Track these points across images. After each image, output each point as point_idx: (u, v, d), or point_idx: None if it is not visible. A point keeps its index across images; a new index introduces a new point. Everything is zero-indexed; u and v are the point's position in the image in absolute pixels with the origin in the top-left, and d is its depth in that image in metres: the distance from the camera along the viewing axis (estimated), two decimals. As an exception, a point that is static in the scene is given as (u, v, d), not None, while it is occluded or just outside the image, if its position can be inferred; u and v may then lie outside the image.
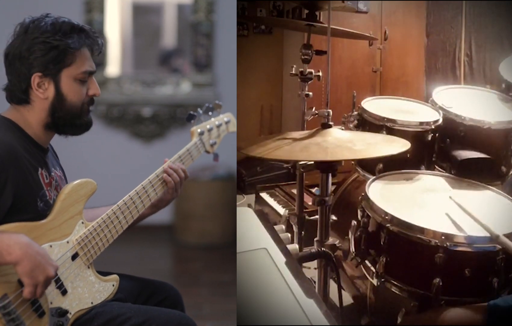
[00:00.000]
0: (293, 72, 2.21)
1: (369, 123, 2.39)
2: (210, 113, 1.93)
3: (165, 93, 4.64)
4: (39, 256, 1.39)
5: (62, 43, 1.55)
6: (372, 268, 1.79)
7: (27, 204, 1.49)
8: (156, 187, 1.73)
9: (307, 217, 2.25)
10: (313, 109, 2.07)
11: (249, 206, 2.03)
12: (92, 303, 1.58)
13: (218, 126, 1.95)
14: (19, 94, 1.56)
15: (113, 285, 1.63)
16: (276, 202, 3.15)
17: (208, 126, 1.92)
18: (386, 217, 1.72)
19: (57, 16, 1.61)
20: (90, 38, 1.61)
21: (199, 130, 1.90)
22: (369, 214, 1.80)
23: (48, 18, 1.59)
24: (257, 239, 1.64)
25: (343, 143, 1.77)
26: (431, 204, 1.87)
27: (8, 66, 1.57)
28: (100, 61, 4.39)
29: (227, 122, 1.99)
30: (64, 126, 1.61)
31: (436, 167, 2.39)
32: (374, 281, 1.78)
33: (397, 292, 1.72)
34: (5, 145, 1.47)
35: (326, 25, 1.91)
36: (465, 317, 1.56)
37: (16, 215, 1.46)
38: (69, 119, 1.59)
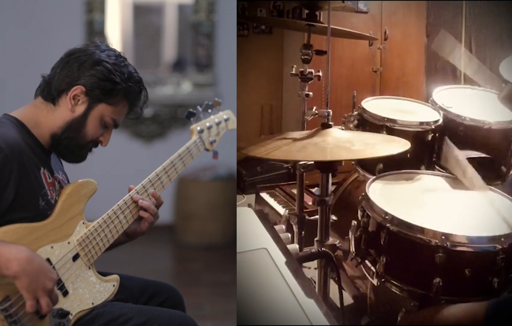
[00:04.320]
0: (293, 72, 2.21)
1: (369, 123, 2.40)
2: (209, 111, 1.93)
3: (166, 93, 4.65)
4: (38, 271, 1.39)
5: (121, 85, 1.57)
6: (372, 268, 1.79)
7: (29, 201, 1.50)
8: (156, 185, 1.74)
9: (307, 217, 2.25)
10: (313, 109, 2.07)
11: (249, 206, 2.03)
12: (93, 303, 1.58)
13: (218, 124, 1.95)
14: (53, 91, 1.57)
15: (114, 286, 1.64)
16: (276, 202, 3.15)
17: (207, 124, 1.92)
18: (386, 217, 1.73)
19: (130, 64, 1.64)
20: (140, 101, 1.66)
21: (198, 128, 1.90)
22: (369, 214, 1.80)
23: (121, 58, 1.62)
24: (257, 239, 1.64)
25: (342, 143, 1.77)
26: (431, 204, 1.87)
27: (66, 63, 1.57)
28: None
29: (226, 120, 1.99)
30: (64, 149, 1.62)
31: (436, 166, 2.39)
32: (374, 281, 1.78)
33: (397, 292, 1.72)
34: (9, 140, 1.48)
35: (326, 25, 1.91)
36: (466, 314, 1.56)
37: (17, 212, 1.47)
38: (72, 145, 1.61)
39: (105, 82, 1.56)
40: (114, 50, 1.63)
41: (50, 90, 1.58)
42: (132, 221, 1.69)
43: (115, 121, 1.63)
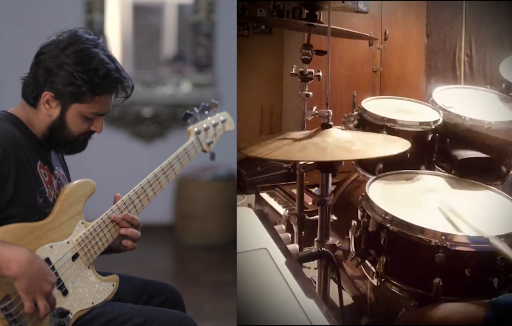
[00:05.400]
0: (293, 72, 2.21)
1: (369, 123, 2.40)
2: (206, 112, 1.94)
3: (166, 93, 4.64)
4: (37, 274, 1.39)
5: (86, 86, 1.53)
6: (372, 268, 1.79)
7: (26, 197, 1.50)
8: (155, 186, 1.74)
9: (307, 217, 2.25)
10: (314, 109, 2.07)
11: (249, 206, 2.03)
12: (92, 303, 1.58)
13: (215, 125, 1.96)
14: (29, 96, 1.57)
15: (113, 285, 1.64)
16: (276, 202, 3.15)
17: (204, 126, 1.93)
18: (386, 217, 1.73)
19: (104, 49, 1.58)
20: (120, 87, 1.61)
21: (196, 129, 1.90)
22: (369, 214, 1.80)
23: (93, 49, 1.55)
24: (257, 239, 1.64)
25: (342, 143, 1.77)
26: (431, 204, 1.87)
27: (34, 65, 1.56)
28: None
29: (223, 121, 2.00)
30: (57, 145, 1.62)
31: (436, 166, 2.39)
32: (374, 281, 1.78)
33: (397, 292, 1.72)
34: (8, 135, 1.48)
35: (326, 25, 1.91)
36: (465, 313, 1.56)
37: (15, 208, 1.47)
38: (63, 142, 1.60)
39: (69, 87, 1.53)
40: (83, 39, 1.56)
41: (27, 95, 1.57)
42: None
43: (98, 113, 1.60)
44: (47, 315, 1.44)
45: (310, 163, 2.01)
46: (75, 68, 1.52)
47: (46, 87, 1.54)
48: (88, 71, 1.53)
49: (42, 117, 1.57)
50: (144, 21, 5.04)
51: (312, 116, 2.09)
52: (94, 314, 1.58)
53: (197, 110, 1.91)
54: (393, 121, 2.32)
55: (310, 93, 2.18)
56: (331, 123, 1.85)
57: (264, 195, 3.27)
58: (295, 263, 1.52)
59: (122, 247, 1.68)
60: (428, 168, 2.33)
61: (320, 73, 2.18)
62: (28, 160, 1.52)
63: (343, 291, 2.00)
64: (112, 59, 1.59)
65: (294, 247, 1.75)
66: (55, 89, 1.53)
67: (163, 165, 1.77)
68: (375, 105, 2.51)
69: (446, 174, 2.17)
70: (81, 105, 1.56)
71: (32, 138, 1.57)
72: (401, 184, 2.04)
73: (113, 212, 1.64)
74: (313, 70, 2.18)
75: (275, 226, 1.75)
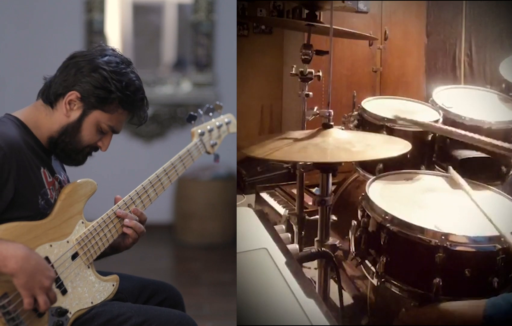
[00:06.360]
0: (293, 72, 2.21)
1: (369, 123, 2.40)
2: (210, 114, 1.93)
3: (166, 93, 4.64)
4: (35, 269, 1.39)
5: (116, 94, 1.56)
6: (372, 268, 1.79)
7: (28, 200, 1.50)
8: (157, 187, 1.74)
9: (307, 217, 2.25)
10: (315, 109, 2.07)
11: (249, 206, 2.03)
12: (92, 302, 1.58)
13: (219, 127, 1.95)
14: (52, 95, 1.57)
15: (113, 285, 1.63)
16: (276, 202, 3.15)
17: (208, 127, 1.92)
18: (386, 217, 1.73)
19: (134, 69, 1.64)
20: (139, 112, 1.64)
21: (199, 131, 1.90)
22: (369, 214, 1.80)
23: (123, 65, 1.60)
24: (257, 239, 1.64)
25: (342, 144, 1.77)
26: (431, 204, 1.87)
27: (65, 66, 1.58)
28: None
29: (227, 123, 1.99)
30: (61, 151, 1.62)
31: (436, 166, 2.39)
32: (374, 281, 1.78)
33: (397, 292, 1.72)
34: (8, 139, 1.48)
35: (326, 25, 1.91)
36: (464, 312, 1.56)
37: (16, 210, 1.47)
38: (68, 149, 1.61)
39: (99, 90, 1.55)
40: (118, 56, 1.62)
41: (49, 94, 1.58)
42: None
43: (113, 128, 1.62)
44: (47, 310, 1.43)
45: (310, 162, 2.00)
46: (110, 75, 1.55)
47: (75, 86, 1.55)
48: (121, 81, 1.56)
49: (57, 117, 1.58)
50: (144, 20, 5.04)
51: (314, 116, 2.09)
52: (93, 313, 1.57)
53: (201, 112, 1.91)
54: (393, 121, 2.32)
55: (310, 93, 2.18)
56: (332, 123, 1.85)
57: (264, 195, 3.27)
58: (295, 263, 1.52)
59: (123, 244, 1.68)
60: (428, 168, 2.33)
61: (320, 73, 2.18)
62: (30, 163, 1.52)
63: (343, 291, 2.00)
64: (140, 80, 1.64)
65: (294, 247, 1.75)
66: (83, 89, 1.55)
67: (166, 165, 1.77)
68: (375, 105, 2.51)
69: (446, 174, 2.17)
70: (102, 114, 1.58)
71: (35, 141, 1.57)
72: (401, 184, 2.04)
73: (114, 212, 1.64)
74: (313, 70, 2.17)
75: (275, 226, 1.75)
